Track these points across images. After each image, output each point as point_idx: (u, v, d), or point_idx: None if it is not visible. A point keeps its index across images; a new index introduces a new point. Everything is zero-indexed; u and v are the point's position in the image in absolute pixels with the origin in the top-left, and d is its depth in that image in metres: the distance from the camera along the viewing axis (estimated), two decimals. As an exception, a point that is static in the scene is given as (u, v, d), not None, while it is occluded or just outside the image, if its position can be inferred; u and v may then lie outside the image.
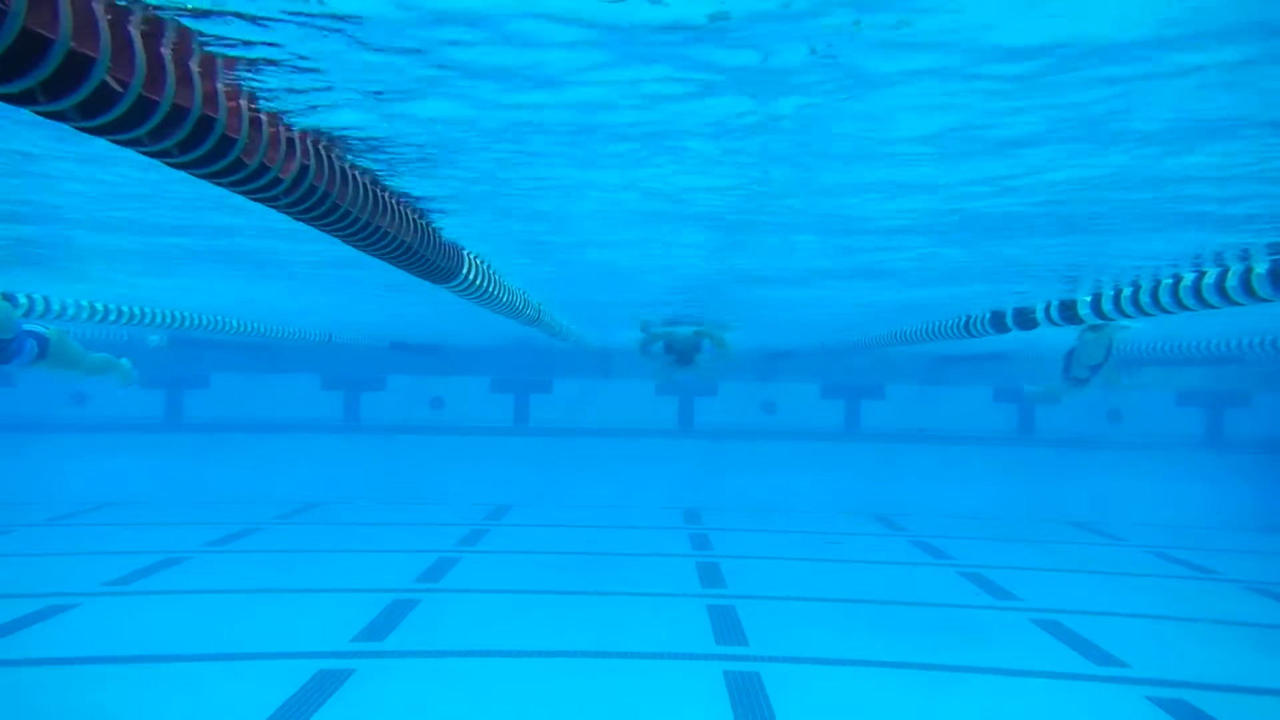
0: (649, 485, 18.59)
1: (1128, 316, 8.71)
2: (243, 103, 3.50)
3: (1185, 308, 7.70)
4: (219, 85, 3.30)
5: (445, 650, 8.78)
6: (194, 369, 20.58)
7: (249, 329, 14.99)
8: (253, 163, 3.54)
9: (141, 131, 2.89)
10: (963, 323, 11.83)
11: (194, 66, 3.12)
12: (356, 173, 4.77)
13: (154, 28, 2.93)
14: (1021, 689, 8.09)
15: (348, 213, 4.54)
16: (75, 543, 14.30)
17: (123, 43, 2.63)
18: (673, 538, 15.17)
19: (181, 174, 3.51)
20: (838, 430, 20.91)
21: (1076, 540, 16.02)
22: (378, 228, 4.97)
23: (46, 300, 10.65)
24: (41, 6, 2.17)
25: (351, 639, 9.00)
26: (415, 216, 5.91)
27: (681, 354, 14.37)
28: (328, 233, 4.78)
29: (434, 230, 6.41)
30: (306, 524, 16.11)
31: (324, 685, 7.61)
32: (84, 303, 11.17)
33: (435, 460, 18.99)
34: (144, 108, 2.80)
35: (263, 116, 3.70)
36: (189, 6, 2.92)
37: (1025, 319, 10.35)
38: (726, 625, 9.74)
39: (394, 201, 5.44)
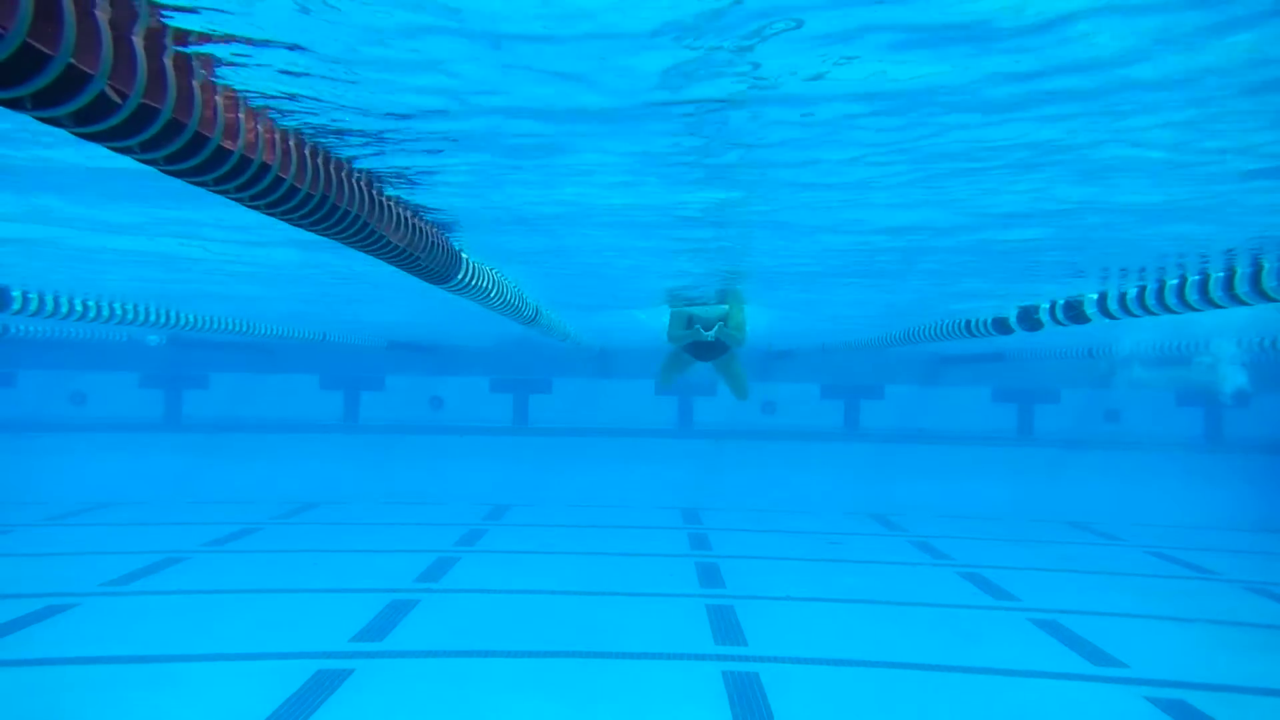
0: (648, 485, 18.58)
1: (1134, 316, 8.71)
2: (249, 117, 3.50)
3: (1191, 308, 7.69)
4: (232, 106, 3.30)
5: (444, 650, 8.78)
6: (193, 369, 20.59)
7: (247, 329, 14.98)
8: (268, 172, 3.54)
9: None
10: (963, 323, 11.85)
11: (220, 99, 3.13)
12: (345, 172, 4.76)
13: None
14: (1020, 689, 8.09)
15: (346, 212, 4.53)
16: (74, 543, 14.30)
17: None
18: (672, 538, 15.17)
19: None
20: (837, 430, 20.93)
21: (1075, 540, 16.03)
22: (374, 228, 4.97)
23: (41, 296, 10.61)
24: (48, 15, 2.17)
25: (350, 639, 9.00)
26: (411, 216, 5.90)
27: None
28: (323, 234, 4.78)
29: (433, 231, 6.41)
30: (305, 524, 16.11)
31: (323, 685, 7.61)
32: (78, 303, 11.11)
33: (434, 460, 18.98)
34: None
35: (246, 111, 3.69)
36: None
37: (1029, 319, 10.35)
38: (725, 625, 9.74)
39: (390, 202, 5.44)
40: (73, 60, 2.29)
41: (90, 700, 7.29)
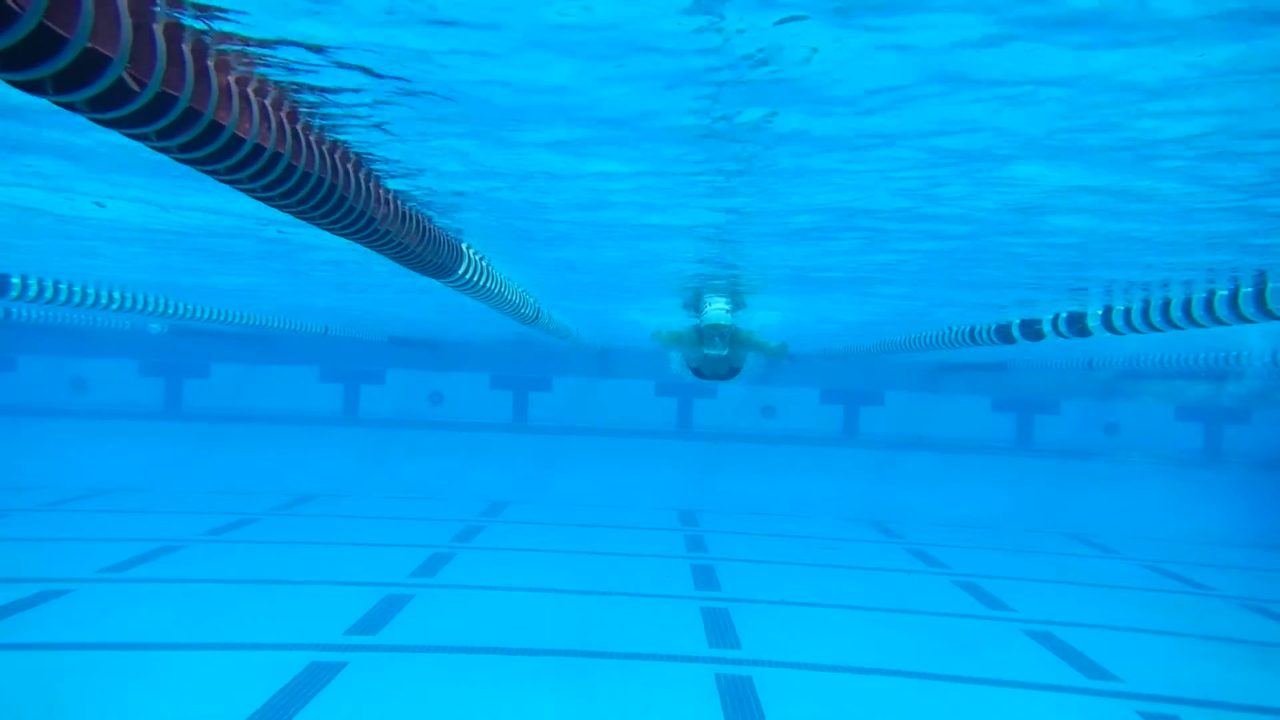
0: (647, 485, 18.59)
1: (1138, 331, 8.70)
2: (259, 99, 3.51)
3: (1196, 324, 7.70)
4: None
5: (438, 645, 8.78)
6: (194, 358, 20.61)
7: (248, 319, 14.98)
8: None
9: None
10: (967, 331, 11.85)
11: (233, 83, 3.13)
12: (345, 161, 4.76)
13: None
14: (1012, 700, 8.09)
15: (353, 207, 4.53)
16: (72, 529, 14.30)
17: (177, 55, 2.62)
18: (669, 539, 15.17)
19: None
20: (836, 435, 20.92)
21: (1072, 552, 16.02)
22: (373, 220, 4.97)
23: (40, 282, 10.60)
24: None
25: (345, 632, 9.00)
26: (412, 210, 5.90)
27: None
28: (323, 227, 4.78)
29: (431, 225, 6.41)
30: (303, 516, 16.11)
31: (316, 677, 7.62)
32: (77, 288, 11.10)
33: (433, 455, 19.00)
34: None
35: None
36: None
37: (1031, 330, 10.36)
38: (720, 628, 9.75)
39: (389, 195, 5.44)
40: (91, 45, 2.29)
41: (83, 686, 7.30)
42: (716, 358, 10.17)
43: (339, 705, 7.13)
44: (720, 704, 7.49)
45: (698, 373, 10.92)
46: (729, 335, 9.97)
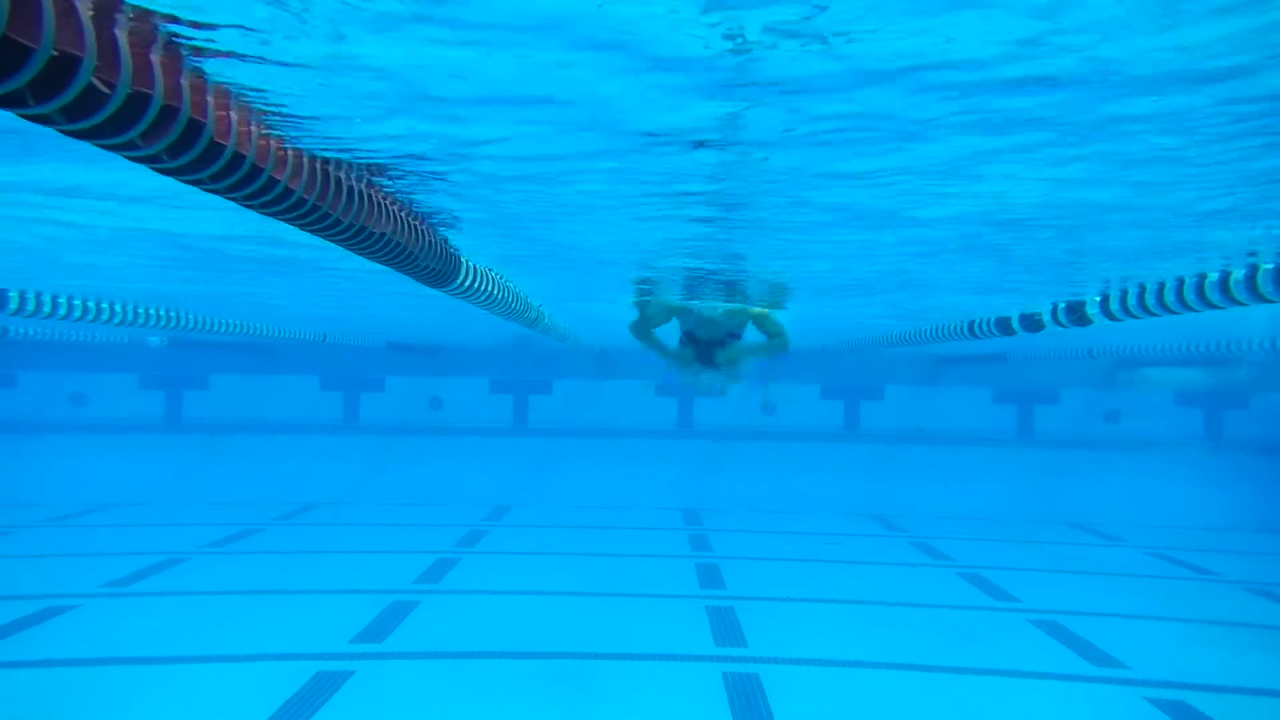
0: (648, 486, 18.58)
1: (1135, 318, 8.69)
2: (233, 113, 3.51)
3: (1191, 308, 7.69)
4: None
5: (445, 652, 8.78)
6: (193, 370, 20.60)
7: (247, 329, 14.98)
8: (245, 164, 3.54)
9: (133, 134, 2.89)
10: (967, 324, 11.84)
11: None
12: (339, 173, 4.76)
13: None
14: (1020, 690, 8.09)
15: (337, 218, 4.53)
16: (74, 544, 14.29)
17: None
18: (672, 538, 15.17)
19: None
20: (837, 431, 20.92)
21: (1075, 541, 16.03)
22: (367, 229, 4.96)
23: (38, 296, 10.59)
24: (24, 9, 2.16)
25: (350, 640, 9.00)
26: (411, 218, 5.90)
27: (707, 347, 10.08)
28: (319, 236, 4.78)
29: (432, 232, 6.41)
30: (306, 525, 16.11)
31: (323, 687, 7.61)
32: (77, 301, 11.09)
33: (434, 461, 18.98)
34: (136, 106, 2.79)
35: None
36: None
37: (1031, 321, 10.36)
38: (725, 626, 9.74)
39: (387, 202, 5.44)
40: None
41: (90, 702, 7.29)
42: (711, 319, 9.67)
43: (347, 714, 7.12)
44: (728, 702, 7.49)
45: (690, 336, 10.21)
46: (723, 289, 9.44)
